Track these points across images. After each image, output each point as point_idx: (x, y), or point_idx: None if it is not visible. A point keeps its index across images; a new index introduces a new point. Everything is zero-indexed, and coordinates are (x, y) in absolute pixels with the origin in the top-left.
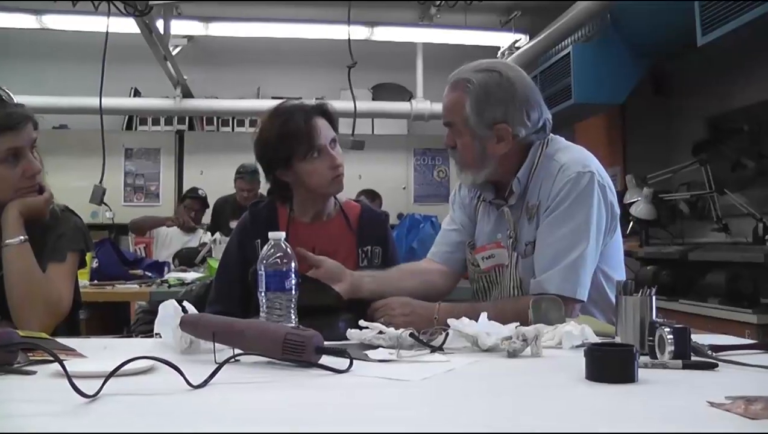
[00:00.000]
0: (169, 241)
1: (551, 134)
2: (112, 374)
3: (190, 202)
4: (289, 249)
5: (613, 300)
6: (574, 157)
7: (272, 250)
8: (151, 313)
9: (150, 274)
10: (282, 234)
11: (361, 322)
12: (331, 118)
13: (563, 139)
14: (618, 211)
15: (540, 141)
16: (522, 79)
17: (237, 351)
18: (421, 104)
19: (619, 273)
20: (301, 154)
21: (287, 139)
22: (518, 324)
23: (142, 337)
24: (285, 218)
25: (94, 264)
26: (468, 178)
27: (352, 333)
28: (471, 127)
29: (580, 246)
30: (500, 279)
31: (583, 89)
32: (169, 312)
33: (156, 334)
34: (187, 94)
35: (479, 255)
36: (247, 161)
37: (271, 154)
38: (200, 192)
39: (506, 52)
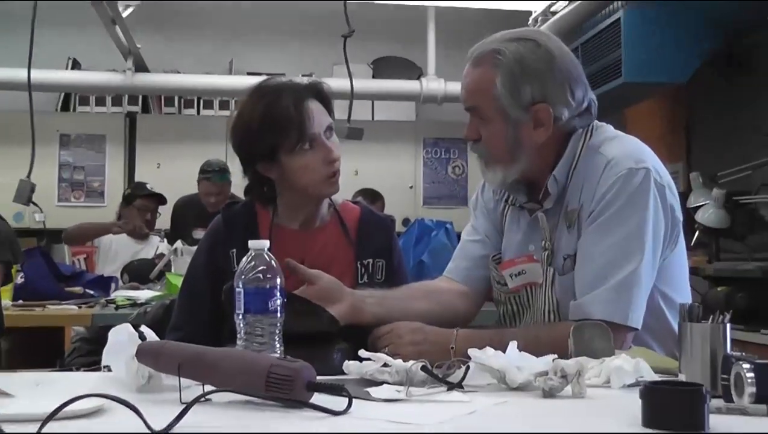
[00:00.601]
0: (115, 251)
1: (596, 121)
2: (51, 416)
3: (143, 202)
4: (273, 262)
5: (675, 327)
6: (625, 149)
7: (253, 263)
8: (93, 342)
9: (92, 292)
10: (265, 243)
11: (362, 352)
12: (327, 100)
13: (611, 127)
14: (680, 216)
15: (583, 128)
16: (561, 48)
17: (208, 387)
18: (434, 83)
19: (683, 295)
20: (289, 145)
21: (273, 126)
22: (556, 356)
23: (84, 371)
24: (267, 223)
25: (19, 280)
26: (496, 176)
27: (350, 365)
28: (503, 108)
29: (633, 261)
30: (532, 301)
31: (637, 65)
32: (121, 339)
33: (104, 367)
34: (140, 67)
35: (507, 271)
36: (215, 154)
37: (251, 143)
38: (149, 186)
39: (539, 19)
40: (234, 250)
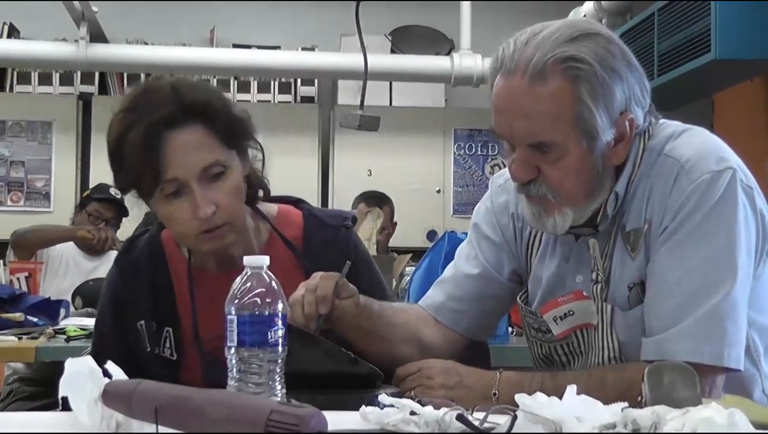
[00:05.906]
0: (65, 268)
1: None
2: None
3: (98, 207)
4: (274, 283)
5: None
6: (700, 147)
7: (249, 284)
8: (35, 383)
9: (35, 320)
10: (264, 260)
11: (383, 397)
12: (225, 121)
13: (669, 120)
14: None
15: (644, 128)
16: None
17: None
18: (468, 60)
19: None
20: (146, 189)
21: (121, 161)
22: (626, 404)
23: (30, 410)
24: (182, 266)
25: None
26: (564, 221)
27: (369, 413)
28: (591, 132)
29: (725, 284)
30: (585, 347)
31: (731, 37)
32: (79, 372)
33: (60, 399)
34: (97, 36)
35: (550, 314)
36: None
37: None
38: (112, 191)
39: None
40: (142, 323)
